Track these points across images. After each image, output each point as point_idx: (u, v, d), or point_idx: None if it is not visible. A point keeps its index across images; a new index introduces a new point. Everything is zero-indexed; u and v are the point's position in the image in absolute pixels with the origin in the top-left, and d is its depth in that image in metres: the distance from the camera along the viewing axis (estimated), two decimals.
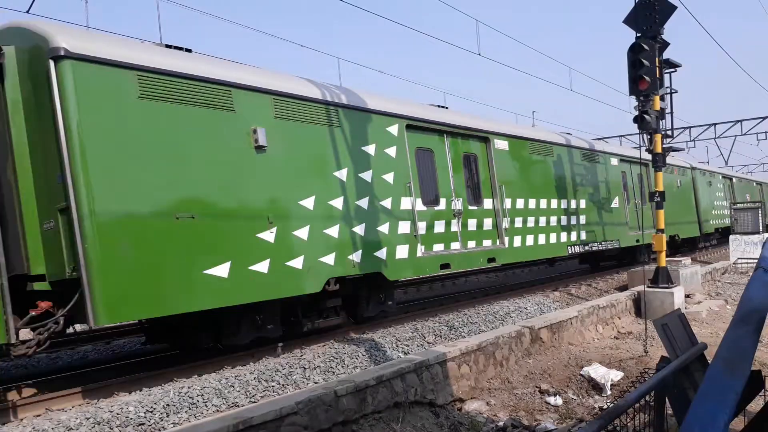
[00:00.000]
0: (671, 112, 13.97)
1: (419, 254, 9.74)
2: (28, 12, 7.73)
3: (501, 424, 6.26)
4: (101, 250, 5.79)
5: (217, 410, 5.74)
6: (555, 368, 8.10)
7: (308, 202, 8.04)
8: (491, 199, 11.73)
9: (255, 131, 7.37)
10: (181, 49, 7.36)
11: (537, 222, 12.93)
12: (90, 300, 5.68)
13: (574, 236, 14.28)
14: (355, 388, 5.60)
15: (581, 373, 7.74)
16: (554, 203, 13.69)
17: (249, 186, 7.32)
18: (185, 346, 8.20)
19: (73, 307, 5.89)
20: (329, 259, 8.23)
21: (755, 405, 4.08)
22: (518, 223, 12.30)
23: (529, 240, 12.63)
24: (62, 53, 5.73)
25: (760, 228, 20.23)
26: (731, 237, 19.81)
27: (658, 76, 11.05)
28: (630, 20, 11.16)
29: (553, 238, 13.47)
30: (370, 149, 9.15)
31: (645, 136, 12.42)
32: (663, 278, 11.96)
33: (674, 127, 14.46)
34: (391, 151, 9.53)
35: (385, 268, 9.12)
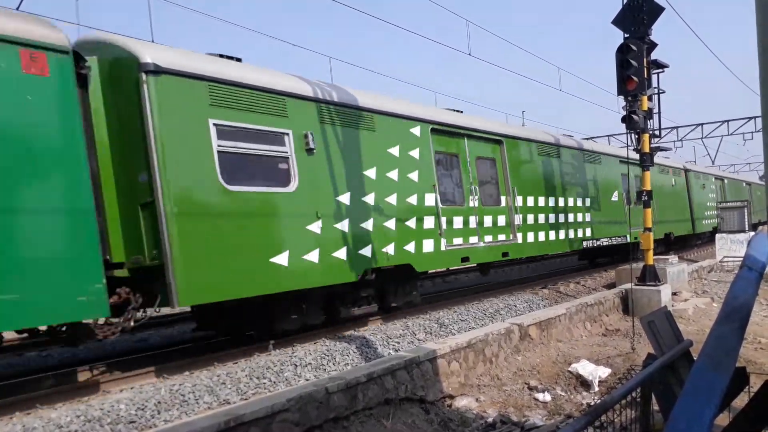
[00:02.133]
0: (659, 112, 14.07)
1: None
2: (17, 9, 7.66)
3: (490, 420, 6.32)
4: None
5: (209, 407, 5.75)
6: (544, 365, 8.18)
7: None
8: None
9: None
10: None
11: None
12: None
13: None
14: (346, 385, 5.63)
15: (569, 369, 7.83)
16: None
17: None
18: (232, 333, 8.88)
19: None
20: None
21: (740, 401, 4.16)
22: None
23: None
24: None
25: (746, 226, 20.46)
26: (717, 235, 20.01)
27: (645, 76, 11.17)
28: (618, 21, 11.27)
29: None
30: None
31: (633, 135, 12.51)
32: (650, 276, 12.09)
33: (662, 126, 14.56)
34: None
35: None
